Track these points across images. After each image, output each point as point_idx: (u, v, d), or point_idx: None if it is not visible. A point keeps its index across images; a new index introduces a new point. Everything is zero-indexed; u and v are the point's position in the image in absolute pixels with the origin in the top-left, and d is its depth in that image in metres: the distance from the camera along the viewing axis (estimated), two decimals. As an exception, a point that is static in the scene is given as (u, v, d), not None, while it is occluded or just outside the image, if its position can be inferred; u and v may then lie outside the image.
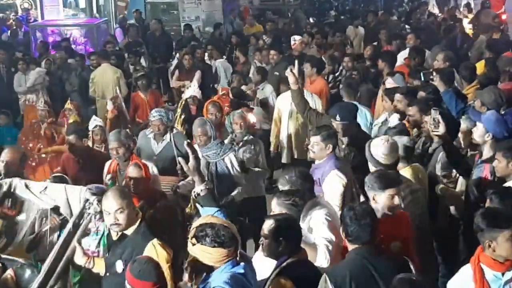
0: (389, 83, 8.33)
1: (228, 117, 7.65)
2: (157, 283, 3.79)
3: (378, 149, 5.33)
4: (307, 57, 10.52)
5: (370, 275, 4.05)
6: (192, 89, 9.08)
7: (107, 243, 4.92)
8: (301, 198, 4.71)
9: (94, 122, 7.85)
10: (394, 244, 4.54)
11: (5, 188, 5.45)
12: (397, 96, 7.16)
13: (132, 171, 5.92)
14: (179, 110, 8.66)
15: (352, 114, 6.76)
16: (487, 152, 5.54)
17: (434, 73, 7.42)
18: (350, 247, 4.21)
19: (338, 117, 6.50)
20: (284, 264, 4.13)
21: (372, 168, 5.38)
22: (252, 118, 8.05)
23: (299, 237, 4.27)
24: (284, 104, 8.43)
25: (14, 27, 17.07)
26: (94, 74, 11.47)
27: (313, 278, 4.12)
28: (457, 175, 5.89)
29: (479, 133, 5.61)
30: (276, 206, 4.66)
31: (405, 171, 5.54)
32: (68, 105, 9.45)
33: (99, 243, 5.04)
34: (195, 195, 4.32)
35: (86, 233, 4.98)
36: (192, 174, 4.30)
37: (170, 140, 7.27)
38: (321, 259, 4.57)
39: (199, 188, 4.24)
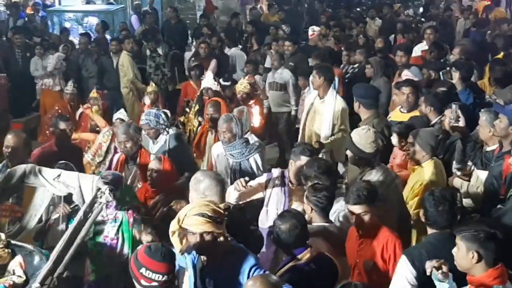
0: (406, 75, 8.31)
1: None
2: (174, 264, 3.87)
3: (361, 137, 5.36)
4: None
5: (445, 258, 3.95)
6: (206, 81, 8.73)
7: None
8: (328, 196, 4.77)
9: (118, 114, 7.70)
10: (367, 262, 4.51)
11: (19, 174, 5.45)
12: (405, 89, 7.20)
13: (151, 164, 5.92)
14: (194, 100, 8.49)
15: (371, 93, 6.85)
16: (508, 145, 5.50)
17: (453, 72, 7.35)
18: (429, 231, 4.30)
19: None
20: (288, 266, 4.27)
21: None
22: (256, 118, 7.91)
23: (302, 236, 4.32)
24: (307, 103, 8.27)
25: (32, 12, 17.08)
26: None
27: (315, 278, 4.18)
28: (472, 168, 5.83)
29: (502, 125, 5.52)
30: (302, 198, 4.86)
31: (429, 164, 5.61)
32: (93, 94, 9.29)
33: (118, 230, 5.10)
34: None
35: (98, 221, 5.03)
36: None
37: (165, 142, 6.87)
38: None
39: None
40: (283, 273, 4.21)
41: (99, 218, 5.04)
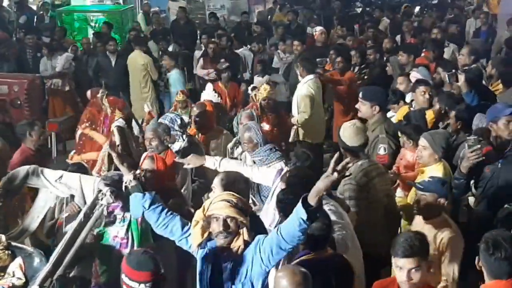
0: (414, 76, 8.25)
1: (236, 118, 7.32)
2: (154, 272, 3.85)
3: (345, 130, 5.58)
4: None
5: None
6: (207, 92, 8.40)
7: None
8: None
9: (116, 122, 7.39)
10: None
11: (22, 175, 5.47)
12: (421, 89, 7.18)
13: (144, 163, 5.86)
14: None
15: (375, 96, 6.76)
16: None
17: (459, 74, 7.29)
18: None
19: (360, 95, 6.63)
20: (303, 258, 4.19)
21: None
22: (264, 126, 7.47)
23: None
24: None
25: (41, 12, 17.15)
26: (128, 60, 11.67)
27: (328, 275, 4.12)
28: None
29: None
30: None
31: (439, 166, 5.58)
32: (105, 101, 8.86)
33: (127, 230, 5.05)
34: (126, 185, 4.58)
35: (99, 223, 5.00)
36: (118, 163, 4.65)
37: (179, 149, 6.65)
38: (341, 248, 4.57)
39: (128, 178, 4.52)
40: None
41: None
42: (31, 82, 10.68)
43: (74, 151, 8.49)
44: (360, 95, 6.69)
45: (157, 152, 6.24)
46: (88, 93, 8.91)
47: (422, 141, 5.62)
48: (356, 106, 6.74)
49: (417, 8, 17.66)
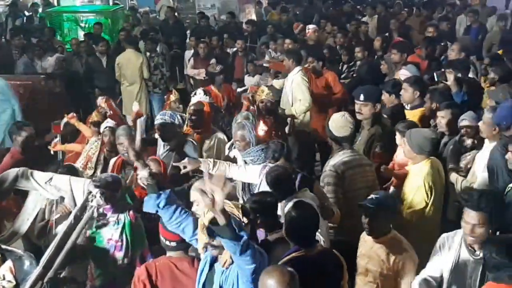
0: (403, 73, 8.22)
1: (234, 120, 7.08)
2: None
3: (333, 121, 5.77)
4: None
5: None
6: (198, 96, 7.99)
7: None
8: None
9: (106, 123, 7.26)
10: None
11: (11, 177, 5.44)
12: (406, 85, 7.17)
13: (151, 166, 5.75)
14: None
15: (375, 95, 6.72)
16: None
17: (447, 73, 7.29)
18: None
19: (361, 97, 6.54)
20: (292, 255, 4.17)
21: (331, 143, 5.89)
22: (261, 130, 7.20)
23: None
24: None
25: (30, 13, 17.08)
26: (119, 59, 11.59)
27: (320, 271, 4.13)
28: (468, 165, 5.93)
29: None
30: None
31: (425, 164, 5.57)
32: (103, 103, 8.71)
33: (121, 232, 5.04)
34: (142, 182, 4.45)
35: (90, 225, 4.99)
36: (134, 158, 4.50)
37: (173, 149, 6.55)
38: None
39: (143, 175, 4.35)
40: (286, 262, 4.08)
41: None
42: (36, 83, 10.66)
43: (57, 138, 8.47)
44: (361, 97, 6.48)
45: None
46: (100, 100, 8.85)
47: (405, 137, 5.70)
48: (356, 109, 6.55)
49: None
